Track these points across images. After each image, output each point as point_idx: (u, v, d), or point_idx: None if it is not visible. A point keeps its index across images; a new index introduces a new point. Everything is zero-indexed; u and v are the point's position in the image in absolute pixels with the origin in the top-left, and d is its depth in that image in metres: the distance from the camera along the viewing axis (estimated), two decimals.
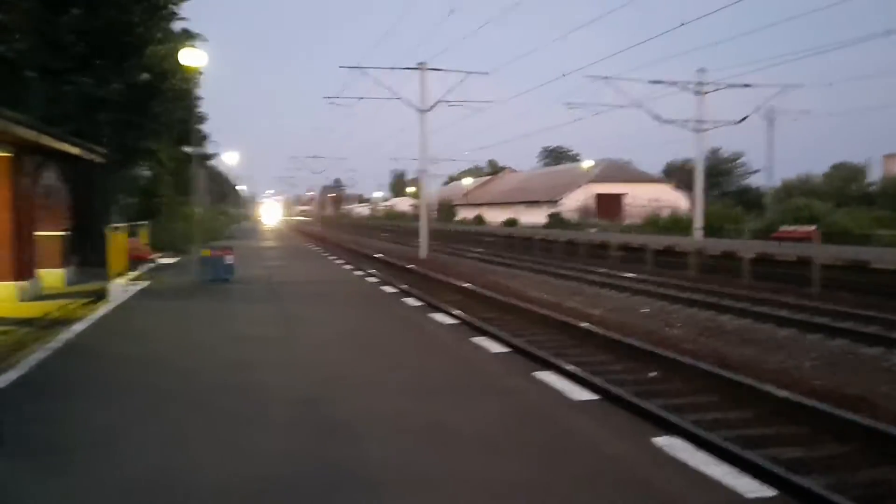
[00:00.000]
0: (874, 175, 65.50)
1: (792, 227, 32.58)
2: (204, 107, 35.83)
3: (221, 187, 68.01)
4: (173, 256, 23.48)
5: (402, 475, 4.46)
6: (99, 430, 5.40)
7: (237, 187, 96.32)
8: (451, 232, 57.12)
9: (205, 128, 37.84)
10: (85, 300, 13.75)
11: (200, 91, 31.71)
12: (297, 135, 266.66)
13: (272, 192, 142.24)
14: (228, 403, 6.13)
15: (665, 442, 5.00)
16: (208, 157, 43.35)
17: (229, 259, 16.00)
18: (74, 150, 15.72)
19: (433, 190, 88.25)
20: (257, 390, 6.57)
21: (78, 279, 16.91)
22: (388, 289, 15.66)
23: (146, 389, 6.64)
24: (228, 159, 52.31)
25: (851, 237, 29.01)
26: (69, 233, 17.32)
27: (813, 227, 30.25)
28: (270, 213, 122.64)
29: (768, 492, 4.13)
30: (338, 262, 24.27)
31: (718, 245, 27.53)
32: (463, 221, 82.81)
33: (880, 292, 17.40)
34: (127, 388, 6.73)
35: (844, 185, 61.96)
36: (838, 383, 9.03)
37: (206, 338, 9.38)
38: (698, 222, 35.01)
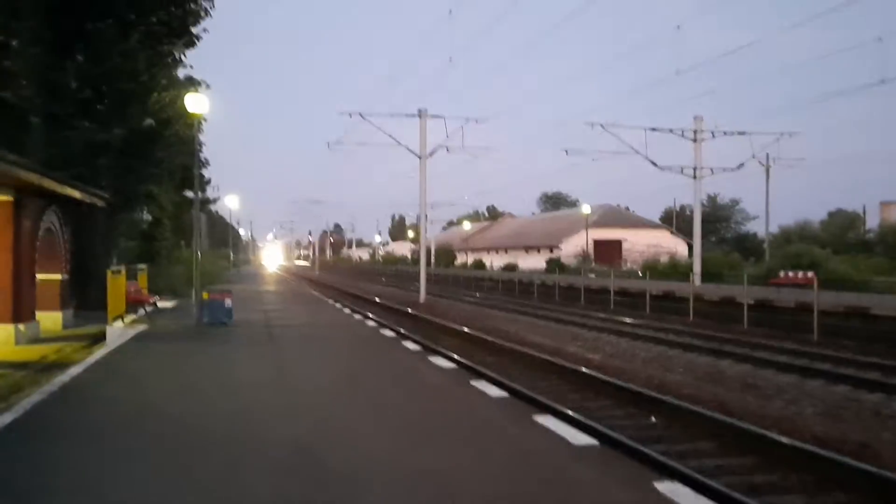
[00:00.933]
0: (871, 222, 65.92)
1: (791, 273, 32.60)
2: (206, 152, 36.28)
3: (222, 231, 68.24)
4: (172, 300, 23.45)
5: None
6: (86, 474, 5.32)
7: (238, 231, 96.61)
8: (450, 276, 57.13)
9: (206, 172, 38.21)
10: (82, 343, 13.69)
11: (202, 136, 32.11)
12: (298, 180, 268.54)
13: (272, 236, 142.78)
14: (220, 451, 6.03)
15: (666, 488, 4.92)
16: (209, 201, 43.63)
17: (228, 302, 15.98)
18: (76, 194, 15.84)
19: (432, 235, 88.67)
20: (251, 438, 6.47)
21: (76, 322, 16.86)
22: (387, 333, 15.60)
23: (137, 434, 6.55)
24: (229, 203, 52.65)
25: (850, 284, 29.00)
26: (68, 276, 17.34)
27: (812, 274, 30.25)
28: (270, 257, 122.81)
29: None
30: (337, 305, 24.22)
31: (717, 291, 27.52)
32: (462, 266, 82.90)
33: (880, 339, 17.35)
34: (118, 432, 6.65)
35: (842, 231, 62.22)
36: (841, 430, 8.94)
37: (200, 382, 9.30)
38: (697, 268, 35.05)
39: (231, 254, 66.12)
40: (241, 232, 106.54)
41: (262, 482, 5.14)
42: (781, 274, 32.88)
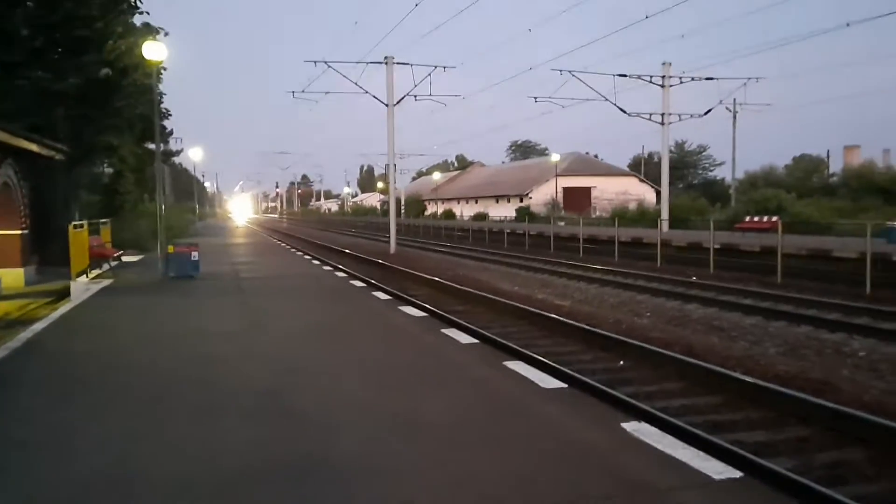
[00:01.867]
0: (835, 166, 66.91)
1: (756, 218, 33.09)
2: (167, 102, 35.38)
3: (187, 184, 67.06)
4: (137, 254, 23.09)
5: (368, 463, 4.40)
6: (55, 427, 5.26)
7: (203, 184, 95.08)
8: (420, 226, 57.02)
9: (168, 124, 37.27)
10: (46, 299, 13.45)
11: (163, 86, 31.23)
12: (265, 131, 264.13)
13: (239, 188, 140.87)
14: (189, 396, 6.02)
15: (633, 427, 5.01)
16: (172, 153, 42.71)
17: (195, 255, 15.76)
18: (32, 147, 15.37)
19: (402, 185, 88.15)
20: (220, 382, 6.47)
21: (39, 278, 16.56)
22: (357, 283, 15.56)
23: (105, 385, 6.50)
24: (193, 155, 51.61)
25: (813, 227, 29.53)
26: (29, 231, 16.93)
27: (776, 218, 30.73)
28: (237, 210, 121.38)
29: (735, 473, 4.16)
30: (306, 257, 24.06)
31: (685, 236, 27.86)
32: (433, 216, 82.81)
33: (842, 280, 17.76)
34: (86, 384, 6.57)
35: (806, 176, 63.12)
36: (802, 368, 9.18)
37: (168, 333, 9.22)
38: (665, 214, 35.41)
39: (196, 207, 65.10)
40: (207, 185, 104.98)
41: (235, 428, 5.14)
42: (747, 219, 33.38)
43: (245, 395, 6.04)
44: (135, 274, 17.20)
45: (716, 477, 4.09)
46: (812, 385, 8.12)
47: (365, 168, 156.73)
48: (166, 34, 24.11)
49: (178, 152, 47.47)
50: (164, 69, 26.72)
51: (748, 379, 7.96)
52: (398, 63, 30.38)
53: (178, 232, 31.36)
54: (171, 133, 38.17)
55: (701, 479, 4.06)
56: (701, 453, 4.51)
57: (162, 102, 30.86)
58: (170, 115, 36.32)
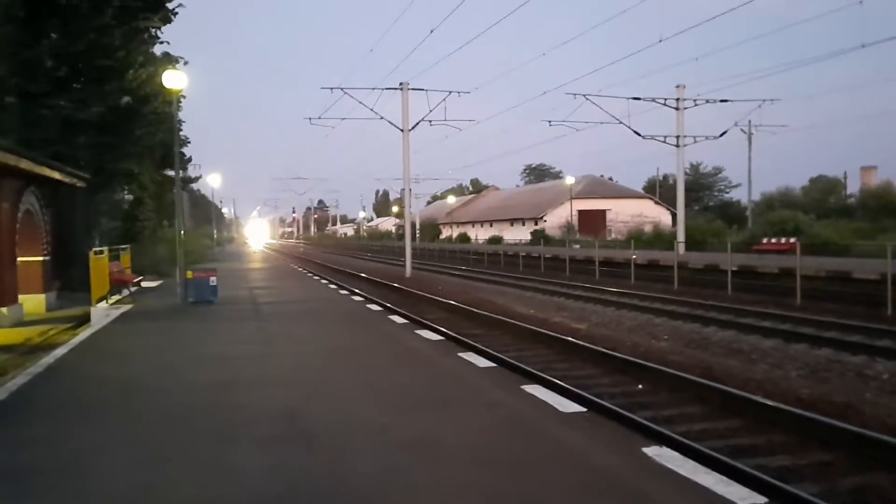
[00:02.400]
0: (852, 187, 66.47)
1: (773, 240, 32.88)
2: (186, 129, 35.85)
3: (205, 210, 67.69)
4: (156, 280, 23.30)
5: (388, 489, 4.40)
6: (74, 452, 5.29)
7: (221, 209, 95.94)
8: (435, 250, 57.10)
9: (187, 150, 37.77)
10: (67, 325, 13.57)
11: (182, 114, 31.67)
12: (282, 157, 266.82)
13: (256, 213, 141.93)
14: (208, 422, 6.05)
15: (655, 452, 4.98)
16: (191, 179, 43.18)
17: (213, 280, 15.89)
18: (55, 174, 15.62)
19: (417, 209, 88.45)
20: (238, 407, 6.50)
21: (60, 304, 16.72)
22: (374, 307, 15.59)
23: (124, 411, 6.54)
24: (212, 181, 52.16)
25: (832, 248, 29.28)
26: (50, 257, 17.15)
27: (794, 239, 30.52)
28: (255, 235, 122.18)
29: (759, 499, 4.11)
30: (322, 281, 24.17)
31: (701, 258, 27.69)
32: (448, 239, 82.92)
33: (862, 302, 17.56)
34: (105, 410, 6.62)
35: (823, 197, 62.74)
36: (824, 391, 9.07)
37: (187, 358, 9.27)
38: (681, 236, 35.21)
39: (214, 232, 65.63)
40: (225, 210, 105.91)
41: (253, 454, 5.14)
42: (764, 240, 33.19)
43: (263, 420, 6.06)
44: (154, 299, 17.35)
45: (740, 503, 4.04)
46: (835, 408, 8.03)
47: (380, 193, 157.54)
48: (185, 63, 24.54)
49: (196, 178, 47.99)
50: (184, 97, 27.13)
51: (769, 402, 7.88)
52: (413, 89, 30.67)
53: (196, 257, 31.61)
54: (189, 160, 38.68)
55: None
56: (724, 478, 4.46)
57: (181, 130, 31.32)
58: (189, 142, 36.90)
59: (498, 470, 4.72)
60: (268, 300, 17.06)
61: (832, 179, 69.06)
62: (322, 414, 6.27)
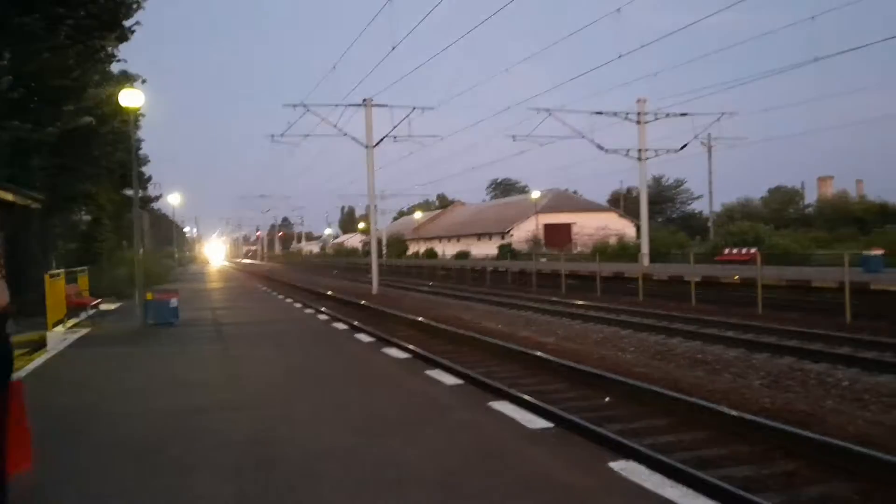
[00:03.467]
0: (810, 197, 68.09)
1: (735, 250, 33.46)
2: (146, 148, 35.29)
3: (166, 229, 66.69)
4: (116, 302, 22.79)
5: None
6: (27, 488, 5.09)
7: (183, 229, 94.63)
8: (402, 266, 56.98)
9: (147, 170, 37.18)
10: (22, 350, 13.17)
11: (142, 132, 31.26)
12: (246, 175, 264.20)
13: (219, 232, 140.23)
14: (167, 450, 5.88)
15: (621, 466, 4.96)
16: (151, 199, 42.52)
17: (174, 302, 15.58)
18: (8, 197, 15.23)
19: (383, 225, 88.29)
20: (199, 435, 6.33)
21: (15, 329, 16.22)
22: (340, 326, 15.44)
23: (80, 441, 6.33)
24: (172, 200, 51.43)
25: (792, 258, 29.87)
26: (4, 280, 16.68)
27: (754, 250, 31.10)
28: (218, 255, 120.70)
29: None
30: (287, 300, 23.90)
31: (665, 270, 28.05)
32: (415, 255, 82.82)
33: (822, 310, 17.92)
34: (60, 440, 6.40)
35: (782, 207, 64.19)
36: (787, 400, 9.18)
37: (147, 384, 9.03)
38: (645, 248, 35.66)
39: (176, 252, 64.65)
40: (186, 230, 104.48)
41: (215, 482, 5.00)
42: (726, 251, 33.77)
43: (225, 448, 5.90)
44: (113, 322, 16.96)
45: None
46: (797, 417, 8.13)
47: (346, 209, 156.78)
48: (144, 81, 24.17)
49: (156, 198, 47.29)
50: (143, 116, 26.78)
51: (734, 413, 7.94)
52: (376, 105, 30.69)
53: (157, 278, 31.04)
54: (149, 179, 38.06)
55: None
56: (690, 491, 4.46)
57: (140, 149, 30.88)
58: (148, 160, 36.32)
59: (467, 493, 4.65)
60: (231, 321, 16.78)
61: (790, 190, 70.73)
62: (287, 439, 6.14)
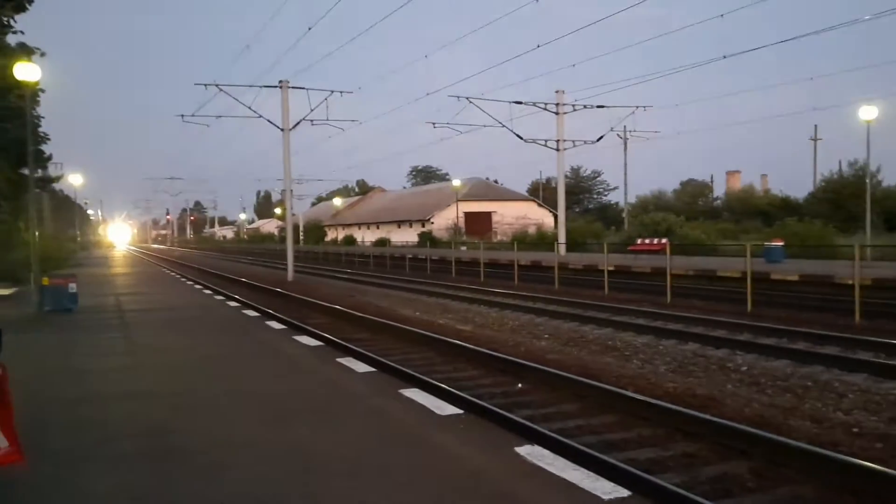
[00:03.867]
0: (719, 190, 70.99)
1: (647, 240, 34.47)
2: (46, 126, 33.23)
3: (69, 212, 63.55)
4: (10, 287, 21.55)
5: None
6: None
7: (87, 211, 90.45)
8: (320, 253, 56.22)
9: (47, 148, 35.09)
10: None
11: (42, 109, 29.54)
12: (156, 156, 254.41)
13: (127, 215, 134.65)
14: (59, 442, 5.55)
15: (527, 451, 4.98)
16: (52, 179, 40.28)
17: (72, 287, 14.82)
18: None
19: (301, 211, 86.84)
20: (97, 424, 6.02)
21: None
22: (251, 313, 15.06)
23: None
24: (74, 181, 48.97)
25: (700, 248, 31.03)
26: None
27: (665, 240, 32.15)
28: (125, 238, 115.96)
29: (623, 492, 4.17)
30: (197, 287, 23.17)
31: (581, 259, 28.65)
32: (333, 242, 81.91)
33: (726, 298, 18.66)
34: None
35: (693, 199, 66.63)
36: (690, 385, 9.49)
37: (37, 373, 8.53)
38: (562, 237, 36.33)
39: (79, 235, 61.71)
40: (91, 212, 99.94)
41: (107, 473, 4.75)
42: (639, 241, 34.72)
43: (119, 439, 5.62)
44: (6, 308, 16.01)
45: (605, 497, 4.09)
46: (699, 401, 8.39)
47: (262, 194, 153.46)
48: (43, 54, 22.79)
49: (57, 178, 44.80)
50: (42, 91, 25.31)
51: (639, 397, 8.14)
52: (293, 87, 30.00)
53: (57, 262, 29.54)
54: (49, 158, 35.88)
55: (590, 500, 4.06)
56: (592, 474, 4.52)
57: (39, 126, 29.17)
58: (48, 139, 34.28)
59: (373, 480, 4.58)
60: (135, 308, 16.11)
61: (701, 183, 73.47)
62: (189, 429, 5.90)
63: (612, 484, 4.30)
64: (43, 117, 30.29)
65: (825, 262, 21.55)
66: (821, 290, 17.83)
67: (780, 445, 6.22)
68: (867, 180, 27.79)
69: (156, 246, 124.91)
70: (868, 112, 24.95)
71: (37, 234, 15.75)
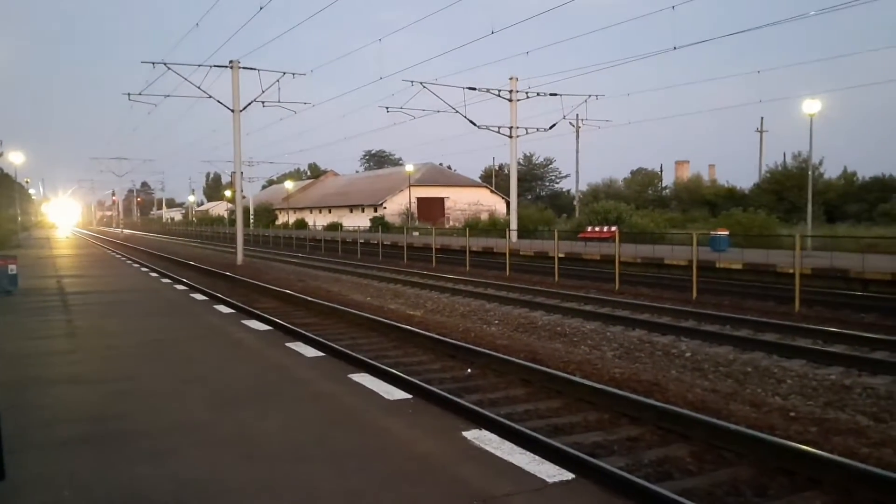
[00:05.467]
0: (668, 179, 72.29)
1: (597, 228, 34.98)
2: None
3: (7, 190, 61.33)
4: None
5: (205, 492, 4.11)
6: None
7: (29, 191, 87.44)
8: (271, 237, 55.50)
9: None
10: None
11: None
12: (101, 135, 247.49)
13: (71, 195, 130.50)
14: (3, 426, 5.38)
15: (474, 435, 5.03)
16: None
17: (12, 269, 14.35)
18: None
19: (251, 194, 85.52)
20: (32, 410, 5.85)
21: None
22: (198, 297, 14.81)
23: None
24: (13, 159, 47.25)
25: (648, 236, 31.60)
26: None
27: (614, 228, 32.66)
28: (69, 219, 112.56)
29: (567, 475, 4.25)
30: (143, 269, 22.66)
31: (532, 246, 28.91)
32: (284, 225, 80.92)
33: (673, 286, 19.08)
34: None
35: (643, 188, 67.75)
36: (635, 370, 9.69)
37: None
38: (514, 224, 36.61)
39: (19, 216, 59.66)
40: (33, 192, 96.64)
41: (57, 459, 4.63)
42: (589, 229, 35.22)
43: (64, 423, 5.49)
44: None
45: (549, 480, 4.16)
46: (643, 386, 8.58)
47: (211, 176, 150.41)
48: None
49: None
50: None
51: (586, 382, 8.28)
52: (244, 68, 29.39)
53: None
54: None
55: (535, 484, 4.12)
56: (537, 457, 4.58)
57: None
58: None
59: (318, 464, 4.56)
60: (78, 290, 15.68)
61: (650, 172, 74.70)
62: (132, 413, 5.79)
63: (557, 467, 4.37)
64: None
65: (768, 251, 22.18)
66: (763, 279, 18.38)
67: (720, 429, 6.41)
68: (809, 172, 28.64)
69: (101, 228, 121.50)
70: (811, 106, 25.68)
71: None
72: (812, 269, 17.23)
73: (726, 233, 24.75)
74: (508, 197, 42.55)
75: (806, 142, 27.06)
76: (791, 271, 16.43)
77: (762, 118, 59.70)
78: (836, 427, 7.04)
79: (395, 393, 6.38)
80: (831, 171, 52.30)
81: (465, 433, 5.08)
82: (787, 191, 46.78)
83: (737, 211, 36.08)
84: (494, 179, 77.85)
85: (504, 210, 61.93)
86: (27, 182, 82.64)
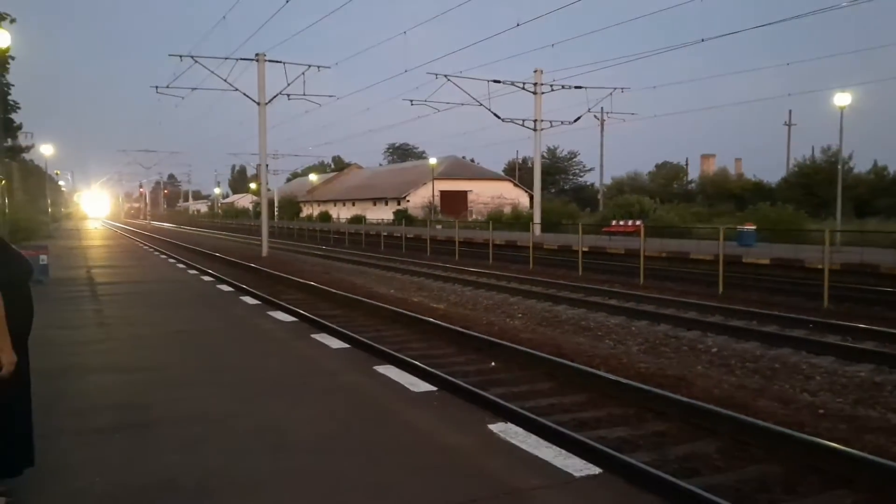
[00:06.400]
0: (693, 173, 71.59)
1: (622, 222, 34.73)
2: (16, 94, 32.47)
3: (40, 182, 62.39)
4: None
5: (233, 481, 4.16)
6: None
7: (59, 183, 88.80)
8: (295, 229, 55.87)
9: (17, 117, 34.33)
10: None
11: (12, 77, 28.88)
12: (129, 128, 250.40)
13: (100, 187, 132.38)
14: (38, 414, 5.47)
15: (500, 428, 5.03)
16: (22, 149, 39.45)
17: (43, 259, 14.60)
18: None
19: (276, 186, 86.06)
20: (65, 399, 5.96)
21: None
22: (225, 288, 14.96)
23: None
24: (45, 151, 48.01)
25: (674, 231, 31.33)
26: None
27: (639, 222, 32.39)
28: (97, 211, 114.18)
29: (594, 469, 4.24)
30: (170, 261, 22.93)
31: (556, 240, 28.79)
32: (308, 218, 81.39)
33: (698, 280, 18.91)
34: None
35: (668, 182, 67.14)
36: (661, 365, 9.63)
37: None
38: (537, 218, 36.44)
39: (50, 207, 60.67)
40: (63, 184, 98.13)
41: (90, 446, 4.72)
42: (613, 223, 34.97)
43: (96, 411, 5.59)
44: None
45: (576, 474, 4.15)
46: (669, 381, 8.52)
47: (237, 168, 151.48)
48: (13, 21, 22.24)
49: (28, 148, 43.93)
50: (12, 58, 24.71)
51: (611, 377, 8.24)
52: (270, 61, 29.57)
53: (28, 234, 29.04)
54: (20, 127, 35.14)
55: (562, 478, 4.11)
56: (564, 451, 4.57)
57: (9, 94, 28.52)
58: (19, 107, 33.53)
59: (345, 456, 4.60)
60: (107, 281, 15.91)
61: (676, 166, 73.96)
62: (162, 403, 5.88)
63: (584, 462, 4.36)
64: (13, 85, 29.62)
65: (796, 246, 21.88)
66: (791, 274, 18.13)
67: (748, 425, 6.35)
68: (839, 167, 28.14)
69: (129, 220, 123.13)
70: (842, 99, 25.21)
71: (6, 203, 15.43)
72: (841, 265, 16.96)
73: (754, 227, 24.46)
74: (532, 190, 42.39)
75: (835, 135, 26.67)
76: (820, 267, 16.19)
77: (790, 111, 58.63)
78: (866, 425, 6.94)
79: (419, 385, 6.40)
80: (861, 166, 51.38)
81: (490, 426, 5.08)
82: (815, 185, 46.08)
83: (764, 205, 35.61)
84: (518, 173, 77.55)
85: (527, 203, 61.68)
86: (57, 173, 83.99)
